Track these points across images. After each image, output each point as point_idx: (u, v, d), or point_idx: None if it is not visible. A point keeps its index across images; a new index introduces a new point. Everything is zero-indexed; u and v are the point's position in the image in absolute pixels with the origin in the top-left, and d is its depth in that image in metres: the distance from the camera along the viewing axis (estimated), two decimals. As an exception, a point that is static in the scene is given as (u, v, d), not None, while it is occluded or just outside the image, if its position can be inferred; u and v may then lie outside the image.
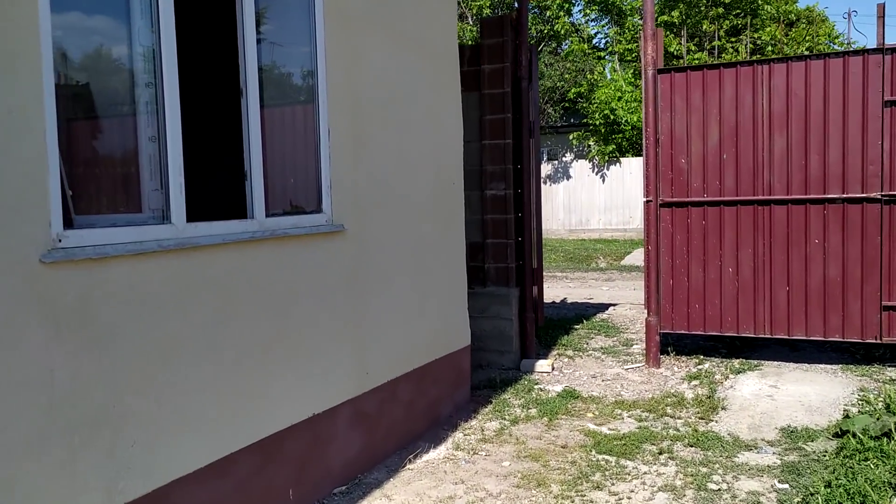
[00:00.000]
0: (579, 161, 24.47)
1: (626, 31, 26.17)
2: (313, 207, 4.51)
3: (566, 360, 7.60)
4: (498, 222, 7.55)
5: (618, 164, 23.63)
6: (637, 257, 16.93)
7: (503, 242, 7.52)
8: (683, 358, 7.36)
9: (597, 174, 23.98)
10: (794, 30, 22.82)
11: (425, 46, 5.72)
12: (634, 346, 7.95)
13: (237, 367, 3.71)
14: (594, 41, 28.40)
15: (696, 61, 23.81)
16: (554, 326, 8.82)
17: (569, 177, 24.32)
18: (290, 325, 4.11)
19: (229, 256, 3.69)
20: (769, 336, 6.78)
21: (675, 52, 23.40)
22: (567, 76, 25.01)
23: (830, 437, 5.17)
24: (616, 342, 8.20)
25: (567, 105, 26.70)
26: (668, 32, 23.89)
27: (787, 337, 6.72)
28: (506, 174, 7.48)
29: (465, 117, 7.64)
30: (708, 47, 25.17)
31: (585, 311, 10.06)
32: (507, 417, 5.84)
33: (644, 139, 7.20)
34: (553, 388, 6.57)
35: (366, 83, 4.87)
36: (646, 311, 7.26)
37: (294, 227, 4.20)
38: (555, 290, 12.47)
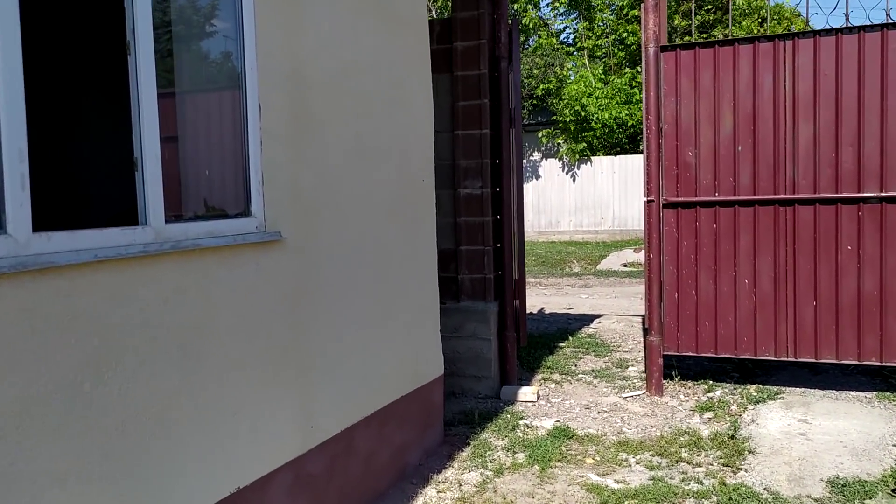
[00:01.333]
0: (549, 160, 23.53)
1: (596, 26, 25.30)
2: (239, 210, 3.39)
3: (553, 385, 6.54)
4: (473, 226, 6.48)
5: (589, 163, 22.73)
6: (613, 261, 15.99)
7: (479, 250, 6.45)
8: (690, 383, 6.34)
9: (567, 174, 23.05)
10: (766, 25, 22.15)
11: (387, 10, 4.62)
12: (630, 369, 6.92)
13: (119, 440, 2.57)
14: (562, 37, 27.50)
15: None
16: (536, 345, 7.75)
17: (538, 176, 23.36)
18: (202, 371, 2.98)
19: (106, 280, 2.55)
20: (793, 360, 5.80)
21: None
22: (536, 71, 24.04)
23: (891, 492, 4.18)
24: (608, 363, 7.16)
25: (536, 102, 25.75)
26: (639, 27, 23.02)
27: (813, 360, 5.74)
28: (482, 170, 6.42)
29: (436, 104, 6.55)
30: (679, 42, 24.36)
31: (568, 325, 9.02)
32: (489, 465, 4.75)
33: (644, 129, 6.18)
34: (542, 424, 5.51)
35: (310, 50, 3.75)
36: (645, 327, 6.24)
37: (209, 237, 3.07)
38: (530, 298, 11.42)
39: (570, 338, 8.09)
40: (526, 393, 6.20)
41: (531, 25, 25.10)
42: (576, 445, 5.08)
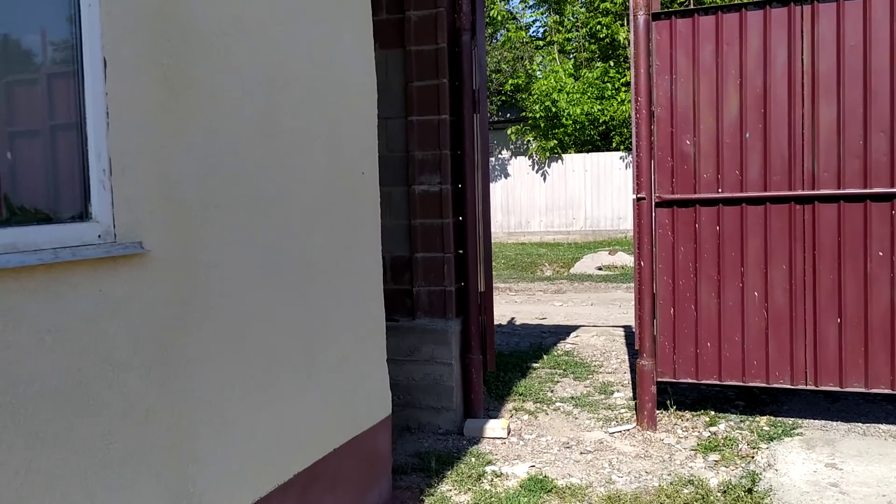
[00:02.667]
0: (518, 158, 22.58)
1: (567, 20, 24.42)
2: (75, 211, 2.34)
3: (526, 417, 5.53)
4: (431, 229, 5.46)
5: (560, 161, 21.82)
6: (587, 264, 15.06)
7: (438, 257, 5.44)
8: (687, 414, 5.37)
9: (537, 172, 22.11)
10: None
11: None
12: (616, 395, 5.92)
13: None
14: (531, 31, 26.60)
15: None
16: (506, 365, 6.74)
17: (507, 175, 22.41)
18: (14, 448, 1.93)
19: None
20: (813, 388, 4.85)
21: (622, 41, 21.72)
22: (504, 66, 23.08)
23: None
24: (590, 388, 6.15)
25: (504, 98, 24.81)
26: (612, 19, 22.20)
27: (838, 389, 4.80)
28: (441, 163, 5.40)
29: (386, 85, 5.55)
30: (652, 37, 23.58)
31: (542, 339, 8.03)
32: (447, 535, 3.75)
33: (633, 113, 5.19)
34: (513, 471, 4.50)
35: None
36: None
37: (10, 252, 2.03)
38: (499, 306, 10.42)
39: (545, 356, 7.08)
40: (494, 428, 5.19)
41: (499, 18, 24.13)
42: (556, 502, 4.08)
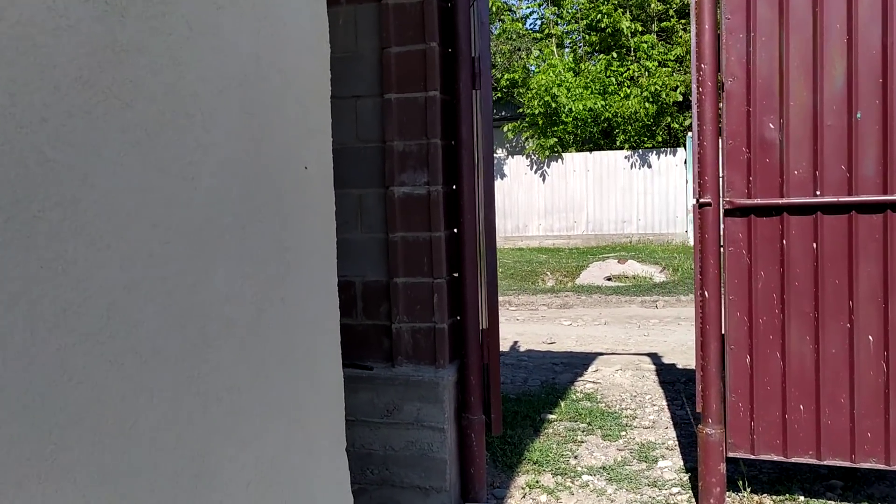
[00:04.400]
0: (515, 157, 21.18)
1: (565, 11, 23.03)
2: None
3: (545, 498, 4.10)
4: (416, 246, 4.05)
5: (560, 160, 20.42)
6: (595, 273, 13.65)
7: (426, 284, 4.03)
8: (767, 501, 3.95)
9: (536, 172, 20.71)
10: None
11: None
12: (662, 464, 4.49)
13: None
14: (528, 24, 25.22)
15: (644, 44, 20.88)
16: (514, 416, 5.28)
17: (503, 175, 20.99)
18: None
19: None
20: (956, 472, 3.47)
21: (625, 30, 20.35)
22: (500, 58, 21.68)
23: None
24: (625, 451, 4.71)
25: (500, 95, 23.42)
26: (612, 7, 20.82)
27: None
28: (429, 156, 3.99)
29: (354, 52, 4.14)
30: (655, 29, 22.28)
31: (555, 375, 6.60)
32: None
33: (694, 86, 3.77)
34: None
35: None
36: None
37: None
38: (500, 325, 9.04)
39: (562, 401, 5.64)
40: (502, 518, 3.79)
41: (494, 9, 22.72)
42: None
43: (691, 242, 20.15)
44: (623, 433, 4.97)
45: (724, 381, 3.76)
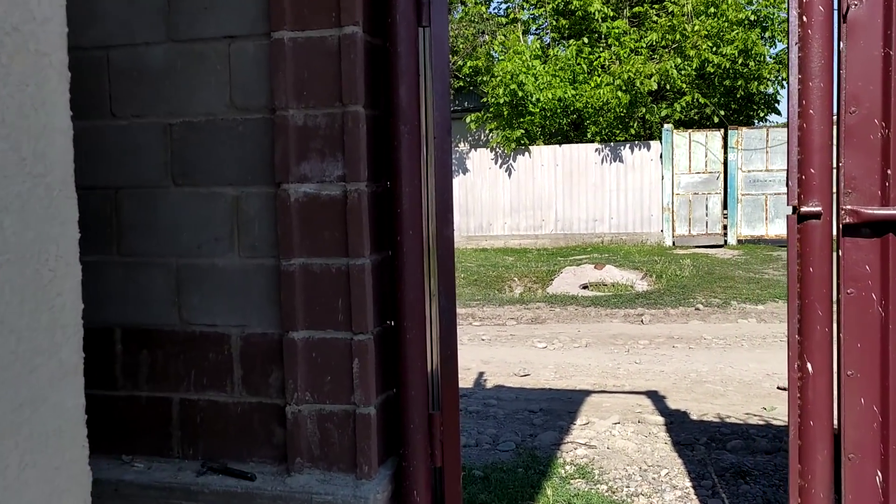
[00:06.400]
0: (478, 150, 19.67)
1: (532, -6, 21.57)
2: None
3: None
4: (325, 278, 2.48)
5: (527, 153, 18.96)
6: (569, 280, 12.20)
7: (341, 341, 2.46)
8: None
9: (501, 167, 19.23)
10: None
11: None
12: None
13: None
14: (491, 8, 23.66)
15: (615, 30, 19.49)
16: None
17: (465, 170, 19.49)
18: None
19: None
20: None
21: (595, 14, 18.93)
22: (461, 44, 20.13)
23: None
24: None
25: (462, 84, 21.90)
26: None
27: None
28: (345, 133, 2.42)
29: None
30: (628, 14, 20.93)
31: (533, 431, 5.03)
32: None
33: (793, 16, 2.27)
34: None
35: None
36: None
37: None
38: (461, 349, 7.54)
39: (546, 482, 4.08)
40: None
41: (456, -9, 21.19)
42: None
43: (667, 243, 18.92)
44: (640, 542, 3.45)
45: (840, 494, 2.27)
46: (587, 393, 5.95)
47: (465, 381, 6.50)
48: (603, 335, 8.50)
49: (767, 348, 7.66)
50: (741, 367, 6.86)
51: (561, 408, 5.52)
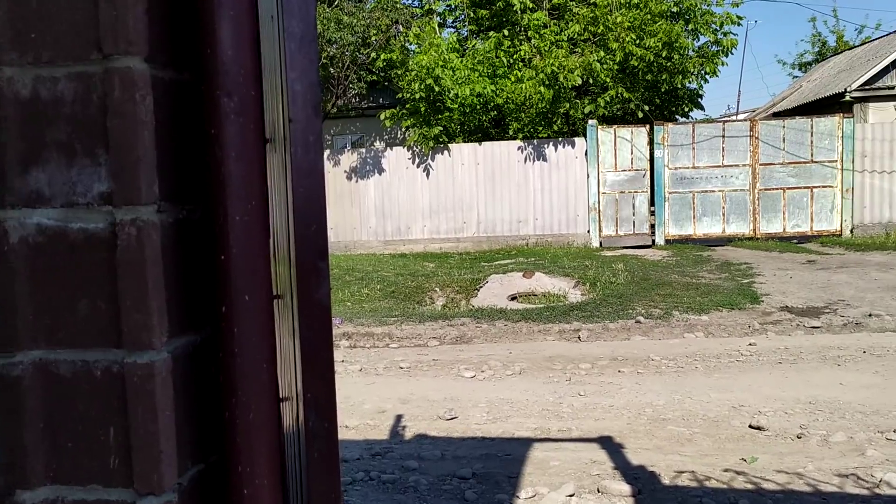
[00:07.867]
0: (395, 149, 18.56)
1: (448, -15, 20.54)
2: None
3: None
4: (78, 390, 1.29)
5: (446, 152, 17.96)
6: (496, 290, 11.17)
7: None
8: None
9: (419, 166, 18.17)
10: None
11: None
12: None
13: None
14: (406, -1, 22.54)
15: (535, 22, 18.63)
16: None
17: (381, 170, 18.35)
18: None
19: None
20: None
21: (516, 5, 18.01)
22: (374, 35, 18.92)
23: None
24: None
25: (375, 79, 20.72)
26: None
27: None
28: (110, 113, 1.25)
29: None
30: (547, 6, 20.11)
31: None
32: None
33: None
34: None
35: None
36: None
37: None
38: (377, 380, 6.36)
39: None
40: None
41: (368, -20, 19.96)
42: None
43: (594, 244, 18.02)
44: None
45: None
46: (529, 443, 4.89)
47: (380, 429, 5.36)
48: (538, 357, 7.49)
49: (724, 371, 6.77)
50: (701, 398, 5.93)
51: (499, 470, 4.45)
